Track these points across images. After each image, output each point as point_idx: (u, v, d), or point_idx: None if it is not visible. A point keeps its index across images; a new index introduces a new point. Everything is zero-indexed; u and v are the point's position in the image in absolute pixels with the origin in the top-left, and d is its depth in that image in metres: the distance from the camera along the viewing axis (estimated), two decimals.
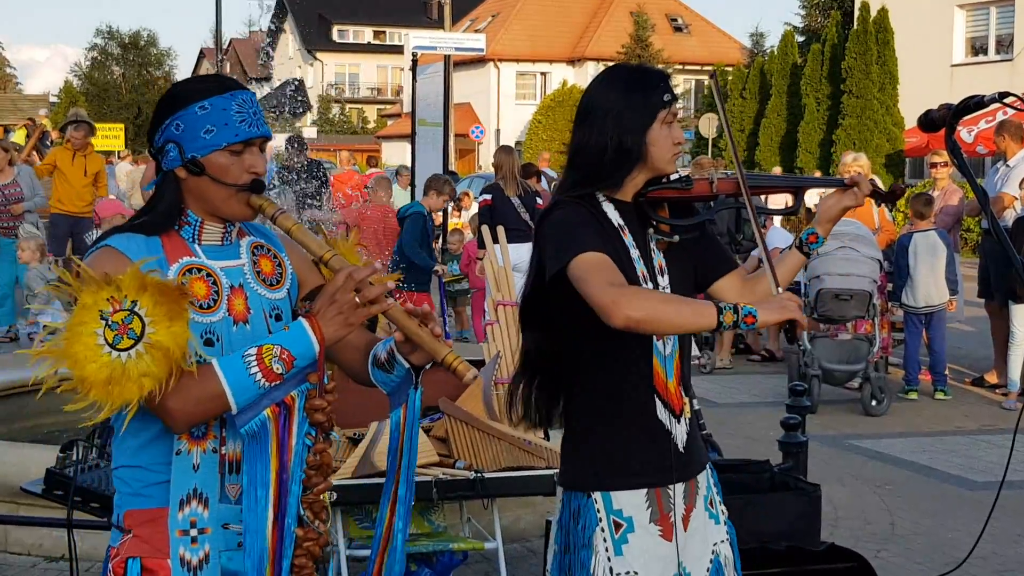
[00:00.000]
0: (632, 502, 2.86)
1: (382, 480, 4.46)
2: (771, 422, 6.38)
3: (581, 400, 2.93)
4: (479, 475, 4.60)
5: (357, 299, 2.36)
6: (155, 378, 2.24)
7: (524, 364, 3.02)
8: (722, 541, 3.01)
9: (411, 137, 15.49)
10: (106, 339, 2.24)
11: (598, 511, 2.86)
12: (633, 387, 2.87)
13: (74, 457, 3.83)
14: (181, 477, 2.40)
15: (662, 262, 2.93)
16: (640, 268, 2.86)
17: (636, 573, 2.84)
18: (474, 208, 16.30)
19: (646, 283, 2.85)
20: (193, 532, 2.41)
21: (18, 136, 23.83)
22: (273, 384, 2.35)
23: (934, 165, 11.40)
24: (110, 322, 2.24)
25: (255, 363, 2.32)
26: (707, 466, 3.04)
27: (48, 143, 20.65)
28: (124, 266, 2.33)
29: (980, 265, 10.32)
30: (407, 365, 2.47)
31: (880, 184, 3.36)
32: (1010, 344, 9.49)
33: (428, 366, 2.47)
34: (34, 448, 5.66)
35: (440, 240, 15.45)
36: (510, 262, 5.60)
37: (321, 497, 2.45)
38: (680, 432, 2.91)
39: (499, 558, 4.80)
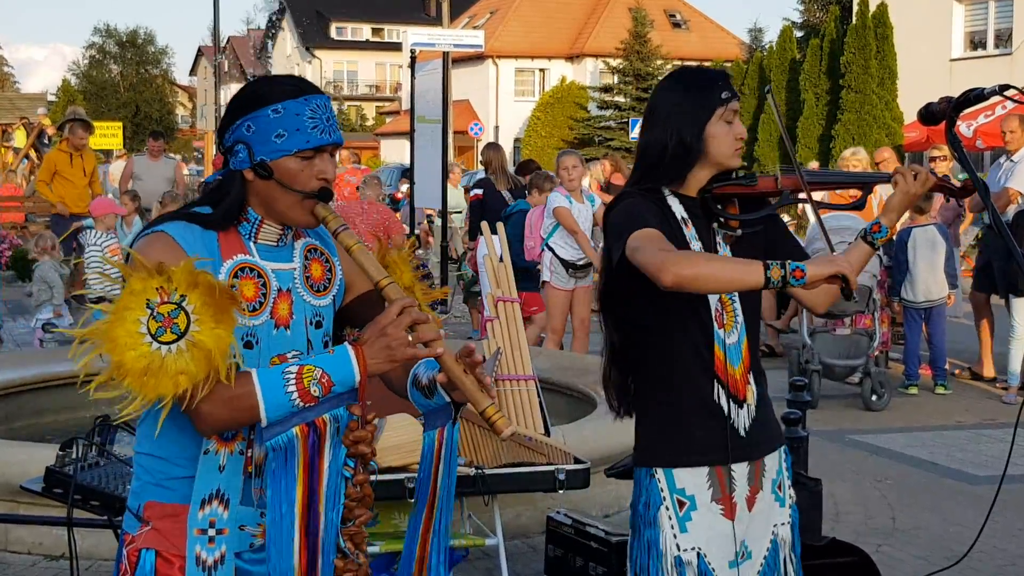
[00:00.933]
0: (694, 481, 2.99)
1: (382, 477, 4.49)
2: None
3: (645, 383, 3.07)
4: (480, 471, 4.59)
5: (410, 337, 2.30)
6: (192, 377, 2.21)
7: (608, 353, 3.17)
8: (783, 524, 3.12)
9: (410, 134, 15.47)
10: (148, 328, 2.20)
11: (662, 490, 2.99)
12: (693, 372, 2.99)
13: (74, 455, 3.82)
14: (206, 477, 2.38)
15: (728, 255, 3.01)
16: None
17: (700, 548, 2.97)
18: None
19: None
20: (211, 532, 2.39)
21: (18, 137, 23.81)
22: (307, 405, 2.30)
23: (934, 159, 11.38)
24: (155, 312, 2.21)
25: (293, 382, 2.28)
26: (780, 449, 3.14)
27: (46, 141, 20.64)
28: (177, 256, 2.29)
29: (979, 259, 10.29)
30: (447, 399, 2.43)
31: (952, 180, 3.35)
32: (1010, 338, 9.49)
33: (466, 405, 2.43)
34: (34, 446, 5.65)
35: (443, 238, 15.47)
36: (508, 257, 5.58)
37: (362, 528, 2.40)
38: (742, 417, 3.01)
39: (500, 554, 4.80)
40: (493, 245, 5.63)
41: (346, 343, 2.34)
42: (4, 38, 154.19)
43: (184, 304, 2.22)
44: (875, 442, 8.15)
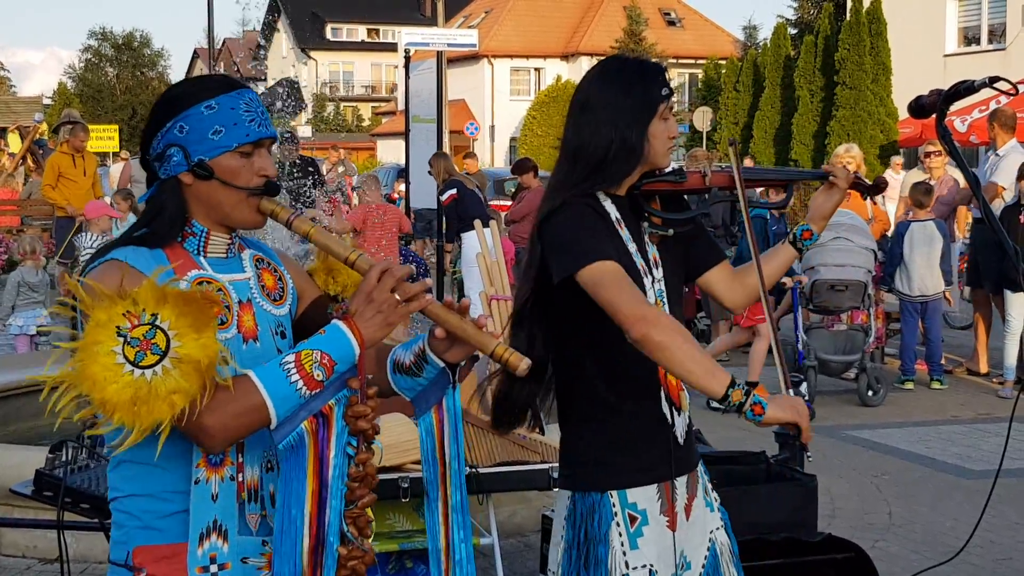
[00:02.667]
0: (646, 495, 2.86)
1: (386, 476, 4.47)
2: None
3: (584, 397, 2.90)
4: (474, 470, 4.58)
5: (396, 297, 2.20)
6: (187, 394, 2.05)
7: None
8: (717, 528, 3.02)
9: (405, 135, 15.46)
10: (126, 357, 2.04)
11: (613, 505, 2.85)
12: (640, 383, 2.86)
13: (64, 458, 3.80)
14: (201, 508, 2.22)
15: (656, 255, 2.92)
16: (639, 262, 2.86)
17: (651, 565, 2.83)
18: None
19: (646, 276, 2.85)
20: (213, 568, 2.24)
21: (12, 140, 23.79)
22: (314, 392, 2.17)
23: (928, 155, 11.37)
24: (129, 338, 2.05)
25: (295, 370, 2.14)
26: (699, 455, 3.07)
27: (43, 146, 20.60)
28: (136, 278, 2.15)
29: (970, 254, 10.27)
30: (441, 364, 2.29)
31: (863, 177, 3.36)
32: (1005, 332, 9.49)
33: (463, 363, 2.31)
34: (27, 449, 5.63)
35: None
36: (501, 255, 5.57)
37: (367, 511, 2.25)
38: (680, 424, 2.91)
39: (495, 553, 4.79)
40: (486, 242, 5.61)
41: (335, 319, 2.21)
42: (0, 42, 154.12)
43: (158, 322, 2.07)
44: (871, 437, 8.15)
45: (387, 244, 11.16)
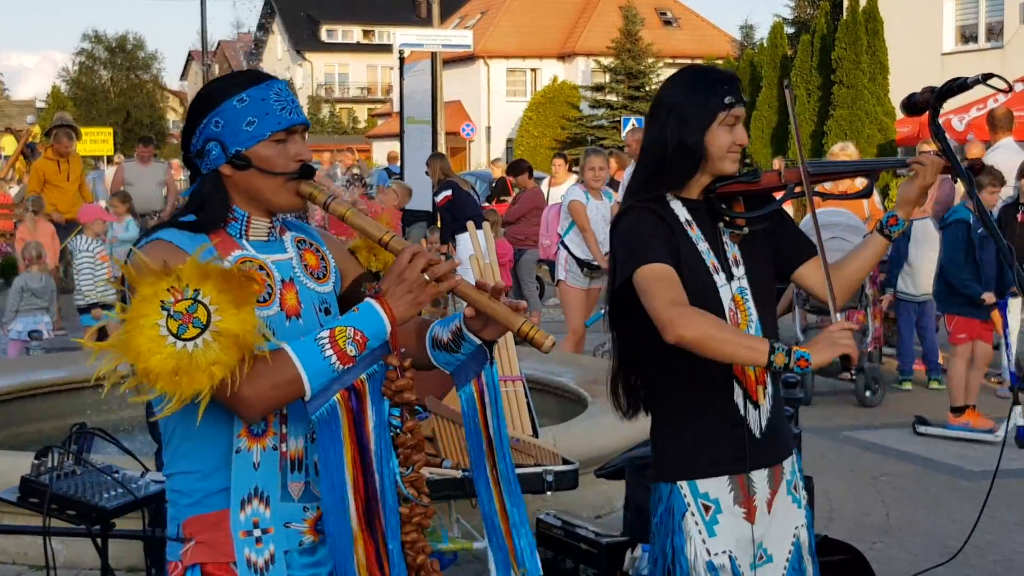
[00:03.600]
0: (716, 485, 2.97)
1: None
2: None
3: (661, 392, 3.05)
4: (467, 474, 4.54)
5: (426, 277, 2.32)
6: (226, 366, 2.18)
7: (615, 359, 3.15)
8: (802, 525, 3.10)
9: (399, 136, 15.43)
10: (169, 329, 2.17)
11: (684, 496, 2.97)
12: (712, 377, 2.95)
13: (49, 464, 3.76)
14: (242, 476, 2.35)
15: (736, 254, 3.02)
16: (710, 259, 2.97)
17: (731, 551, 2.95)
18: None
19: (717, 274, 2.96)
20: (257, 532, 2.36)
21: (6, 143, 23.74)
22: (347, 367, 2.28)
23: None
24: (172, 312, 2.17)
25: (329, 345, 2.26)
26: (793, 450, 3.14)
27: (33, 149, 20.54)
28: (179, 257, 2.28)
29: None
30: (478, 342, 2.43)
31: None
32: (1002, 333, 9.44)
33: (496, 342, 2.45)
34: (15, 455, 5.58)
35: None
36: (495, 256, 5.53)
37: (421, 472, 2.40)
38: (757, 419, 2.99)
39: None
40: (479, 244, 5.57)
41: (368, 298, 2.33)
42: None
43: (200, 297, 2.19)
44: (869, 438, 8.12)
45: None
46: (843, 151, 10.07)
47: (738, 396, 2.96)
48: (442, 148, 17.80)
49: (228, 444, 2.35)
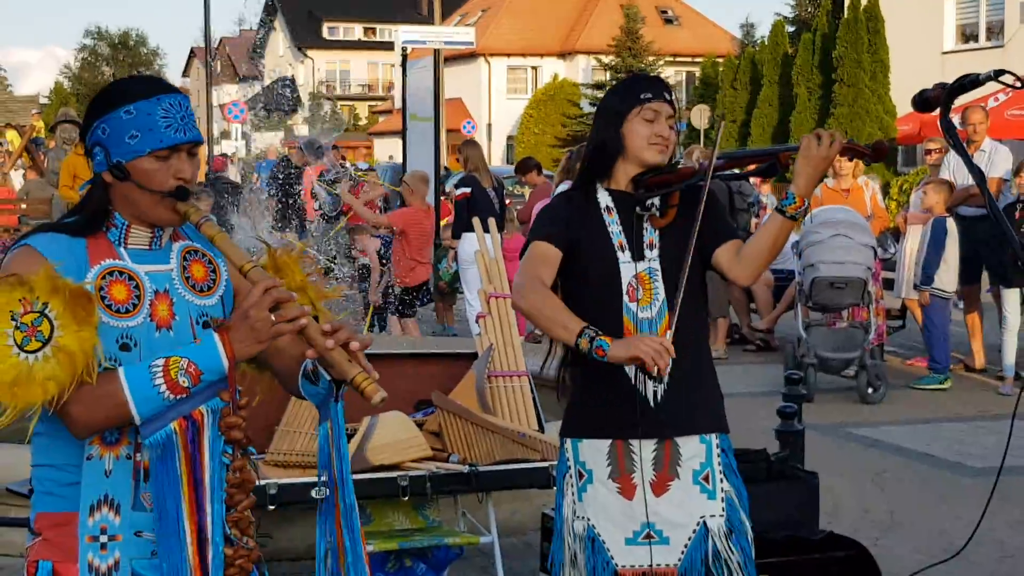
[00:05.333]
0: (593, 456, 3.23)
1: (375, 476, 4.46)
2: (767, 411, 6.34)
3: (572, 356, 3.27)
4: (473, 469, 4.57)
5: (273, 317, 2.31)
6: (59, 382, 2.22)
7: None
8: (713, 516, 3.18)
9: (402, 133, 15.44)
10: (15, 340, 2.21)
11: (568, 458, 3.28)
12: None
13: None
14: (92, 482, 2.37)
15: (654, 239, 3.24)
16: (618, 240, 3.22)
17: (589, 519, 3.21)
18: None
19: (622, 252, 3.22)
20: (103, 538, 2.38)
21: (10, 137, 23.75)
22: (179, 397, 2.30)
23: (929, 152, 11.35)
24: (19, 323, 2.21)
25: (160, 375, 2.29)
26: (710, 441, 3.23)
27: (38, 145, 20.55)
28: (41, 266, 2.29)
29: (964, 250, 10.09)
30: (328, 378, 2.42)
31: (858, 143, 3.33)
32: (1003, 329, 9.45)
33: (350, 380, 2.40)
34: (23, 448, 5.59)
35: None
36: (500, 253, 5.55)
37: (246, 513, 2.42)
38: (652, 391, 3.17)
39: (495, 552, 4.77)
40: (485, 241, 5.60)
41: (211, 330, 2.36)
42: None
43: (47, 311, 2.23)
44: (872, 435, 8.13)
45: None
46: None
47: (630, 368, 3.13)
48: (443, 145, 17.81)
49: (82, 445, 2.37)
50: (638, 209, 3.24)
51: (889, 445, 7.86)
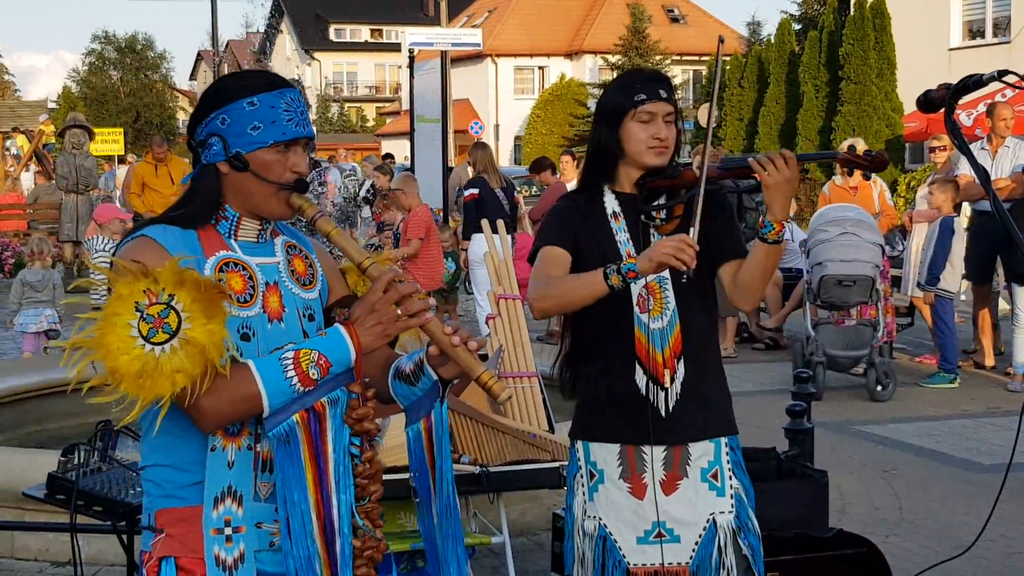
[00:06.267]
0: (604, 457, 3.22)
1: (386, 477, 4.46)
2: (776, 410, 6.36)
3: (581, 356, 3.30)
4: (484, 469, 4.58)
5: (398, 311, 2.32)
6: (189, 375, 2.19)
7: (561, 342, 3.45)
8: (722, 512, 3.20)
9: (410, 134, 15.47)
10: (140, 331, 2.19)
11: (579, 458, 3.28)
12: (615, 355, 3.20)
13: (76, 461, 3.81)
14: (216, 474, 2.35)
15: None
16: (626, 248, 3.19)
17: (601, 519, 3.21)
18: None
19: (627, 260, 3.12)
20: (228, 531, 2.36)
21: (20, 143, 23.80)
22: (307, 389, 2.30)
23: (933, 150, 11.36)
24: (145, 314, 2.20)
25: (292, 367, 2.28)
26: (719, 441, 3.24)
27: (50, 150, 20.62)
28: (162, 257, 2.29)
29: (970, 248, 10.08)
30: (435, 378, 2.43)
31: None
32: (1014, 327, 9.45)
33: (455, 381, 2.45)
34: (38, 453, 5.64)
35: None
36: (510, 254, 5.57)
37: (378, 504, 2.41)
38: (664, 399, 3.17)
39: (507, 552, 4.79)
40: (494, 243, 5.62)
41: (337, 324, 2.35)
42: (6, 47, 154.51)
43: (173, 303, 2.21)
44: (881, 432, 8.14)
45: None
46: None
47: (639, 376, 3.15)
48: (451, 146, 17.84)
49: (203, 440, 2.35)
50: (643, 219, 3.21)
51: (898, 442, 7.87)
